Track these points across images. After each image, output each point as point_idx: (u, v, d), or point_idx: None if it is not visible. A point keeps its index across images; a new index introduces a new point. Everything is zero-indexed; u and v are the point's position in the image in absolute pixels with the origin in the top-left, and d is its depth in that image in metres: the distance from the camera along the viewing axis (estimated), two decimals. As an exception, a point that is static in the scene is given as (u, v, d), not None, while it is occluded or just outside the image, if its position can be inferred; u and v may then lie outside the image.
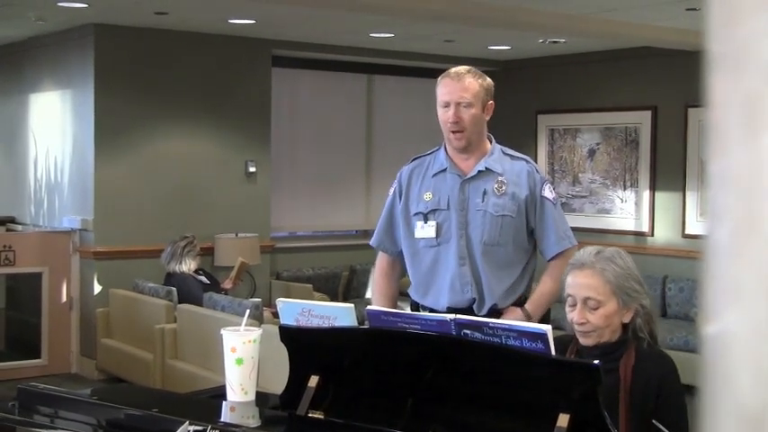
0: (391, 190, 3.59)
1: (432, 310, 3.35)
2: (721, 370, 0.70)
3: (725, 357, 0.70)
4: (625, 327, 2.57)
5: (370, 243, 3.68)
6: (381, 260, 3.64)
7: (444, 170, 3.43)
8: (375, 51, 8.65)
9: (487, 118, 3.41)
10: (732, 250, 0.70)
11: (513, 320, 3.14)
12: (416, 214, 3.45)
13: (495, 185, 3.37)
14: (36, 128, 8.33)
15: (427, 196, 3.43)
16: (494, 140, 3.48)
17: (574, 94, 8.95)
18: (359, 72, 9.13)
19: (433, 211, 3.41)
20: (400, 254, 3.56)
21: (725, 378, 0.69)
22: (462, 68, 3.41)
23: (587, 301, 2.54)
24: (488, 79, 3.43)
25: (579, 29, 6.82)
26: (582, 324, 2.54)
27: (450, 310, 3.27)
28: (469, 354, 2.20)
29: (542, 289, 3.41)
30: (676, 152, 8.11)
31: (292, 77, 8.73)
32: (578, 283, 2.56)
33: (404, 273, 3.63)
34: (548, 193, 3.42)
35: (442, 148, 3.47)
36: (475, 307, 3.36)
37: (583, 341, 2.57)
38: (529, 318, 3.33)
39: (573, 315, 2.56)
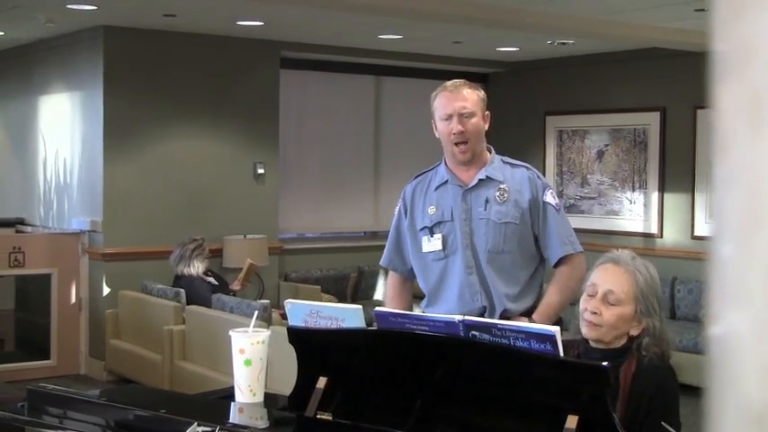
0: (396, 209, 3.61)
1: None
2: (727, 370, 0.70)
3: (731, 358, 0.70)
4: (631, 338, 2.57)
5: (380, 263, 3.70)
6: (392, 279, 3.66)
7: (445, 182, 3.44)
8: (383, 53, 8.65)
9: (486, 127, 3.43)
10: (738, 251, 0.70)
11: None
12: (422, 229, 3.46)
13: (497, 193, 3.37)
14: (45, 129, 8.36)
15: (431, 210, 3.44)
16: (493, 151, 3.49)
17: (582, 95, 8.94)
18: (367, 74, 9.14)
19: (438, 223, 3.42)
20: (410, 271, 3.57)
21: (730, 378, 0.69)
22: (457, 81, 3.45)
23: (608, 295, 2.55)
24: (482, 90, 3.47)
25: (587, 30, 6.82)
26: (594, 314, 2.55)
27: None
28: (478, 355, 2.20)
29: (548, 300, 3.38)
30: (685, 153, 8.09)
31: (300, 79, 8.74)
32: (608, 277, 2.58)
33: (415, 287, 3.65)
34: (550, 198, 3.42)
35: (443, 162, 3.49)
36: (486, 315, 3.34)
37: (585, 332, 2.58)
38: None
39: (588, 304, 2.57)
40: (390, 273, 3.66)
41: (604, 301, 2.55)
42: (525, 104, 9.25)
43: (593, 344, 2.59)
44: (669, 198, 8.26)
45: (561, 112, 9.08)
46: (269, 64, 8.17)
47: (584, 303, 2.59)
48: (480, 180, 3.39)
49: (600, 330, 2.55)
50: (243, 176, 8.05)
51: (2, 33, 7.86)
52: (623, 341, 2.56)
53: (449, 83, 3.44)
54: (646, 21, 6.71)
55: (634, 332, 2.55)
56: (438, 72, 8.64)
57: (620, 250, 2.69)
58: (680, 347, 7.17)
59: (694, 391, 6.30)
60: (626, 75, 8.58)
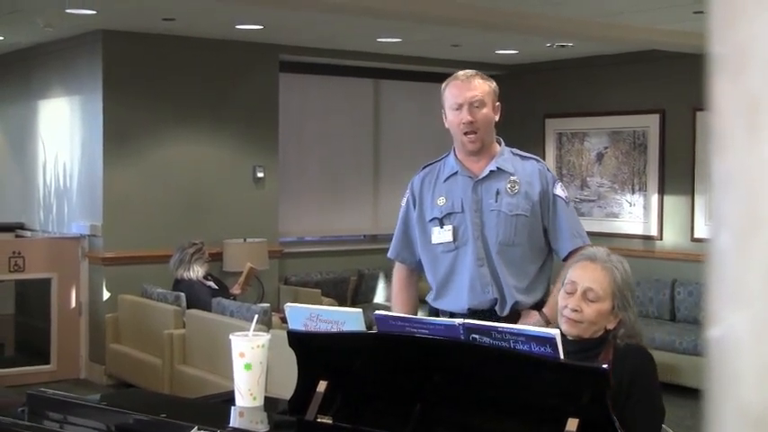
0: (404, 200, 3.56)
1: (452, 314, 3.29)
2: (726, 371, 0.70)
3: (729, 359, 0.70)
4: (607, 331, 2.64)
5: (388, 255, 3.65)
6: (399, 271, 3.62)
7: (455, 173, 3.40)
8: (382, 56, 8.66)
9: (496, 119, 3.41)
10: (736, 253, 0.70)
11: (527, 324, 3.11)
12: (432, 220, 3.42)
13: (508, 185, 3.34)
14: (45, 134, 8.36)
15: (441, 201, 3.40)
16: (503, 142, 3.47)
17: (581, 97, 8.94)
18: (366, 77, 9.14)
19: (449, 215, 3.38)
20: (418, 263, 3.53)
21: (729, 379, 0.69)
22: (469, 71, 3.41)
23: (588, 293, 2.62)
24: (494, 81, 3.44)
25: (586, 33, 6.82)
26: (575, 312, 2.61)
27: (471, 311, 3.25)
28: (478, 358, 2.20)
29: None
30: (685, 155, 8.09)
31: (300, 82, 8.75)
32: (586, 274, 2.65)
33: (422, 279, 3.62)
34: (560, 191, 3.40)
35: (452, 153, 3.46)
36: (497, 308, 3.32)
37: (566, 328, 2.62)
38: (548, 323, 3.25)
39: (568, 301, 2.63)
40: (397, 265, 3.62)
41: (584, 299, 2.62)
42: (524, 107, 9.24)
43: (569, 337, 2.62)
44: (669, 200, 8.26)
45: (560, 115, 9.08)
46: (268, 67, 8.17)
47: (564, 300, 2.65)
48: (491, 171, 3.36)
49: (580, 327, 2.62)
50: (242, 180, 8.05)
51: (1, 38, 7.86)
52: (600, 333, 2.63)
53: (460, 72, 3.40)
54: (645, 23, 6.71)
55: (610, 326, 2.62)
56: (437, 75, 8.61)
57: (595, 247, 2.78)
58: (679, 350, 7.17)
59: (694, 394, 6.31)
60: (625, 77, 8.58)
